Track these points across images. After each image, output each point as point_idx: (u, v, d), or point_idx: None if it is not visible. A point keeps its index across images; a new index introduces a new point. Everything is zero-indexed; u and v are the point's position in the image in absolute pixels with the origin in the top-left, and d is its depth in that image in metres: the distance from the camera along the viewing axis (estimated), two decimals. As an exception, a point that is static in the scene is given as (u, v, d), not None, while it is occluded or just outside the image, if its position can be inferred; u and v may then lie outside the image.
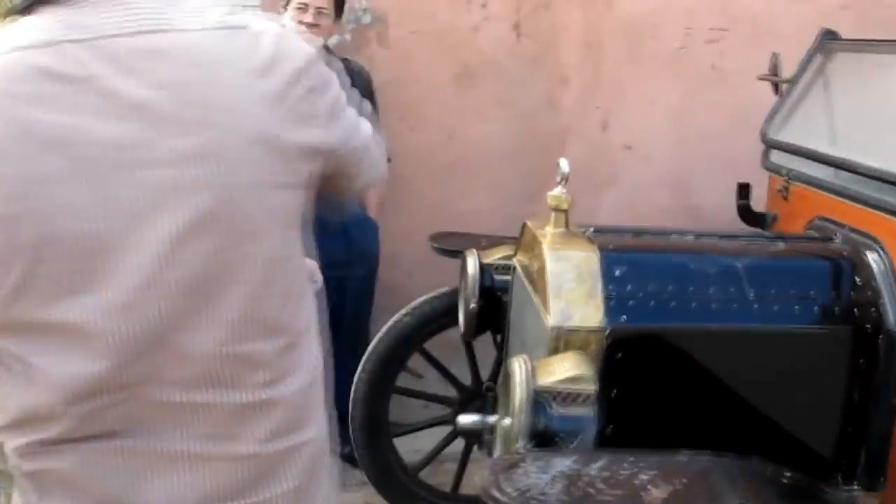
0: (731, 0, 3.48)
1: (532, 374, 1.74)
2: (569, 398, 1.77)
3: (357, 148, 1.19)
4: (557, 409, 1.76)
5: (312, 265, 1.31)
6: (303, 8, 3.05)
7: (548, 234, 2.11)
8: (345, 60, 3.24)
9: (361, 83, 3.25)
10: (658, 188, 3.40)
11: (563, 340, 1.89)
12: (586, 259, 1.99)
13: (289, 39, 1.05)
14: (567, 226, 2.14)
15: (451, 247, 2.84)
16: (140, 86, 0.91)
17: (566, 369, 1.76)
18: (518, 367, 1.75)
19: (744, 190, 2.86)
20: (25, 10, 0.94)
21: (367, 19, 3.46)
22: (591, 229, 2.18)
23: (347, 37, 3.46)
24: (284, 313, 1.02)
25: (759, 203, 2.77)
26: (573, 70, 3.43)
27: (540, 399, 1.76)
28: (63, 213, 0.88)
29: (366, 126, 1.25)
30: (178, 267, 0.93)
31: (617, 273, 1.98)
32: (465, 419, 2.21)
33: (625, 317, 1.93)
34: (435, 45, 3.47)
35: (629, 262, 2.02)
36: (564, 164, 2.13)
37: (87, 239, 0.89)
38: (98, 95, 0.90)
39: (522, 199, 3.49)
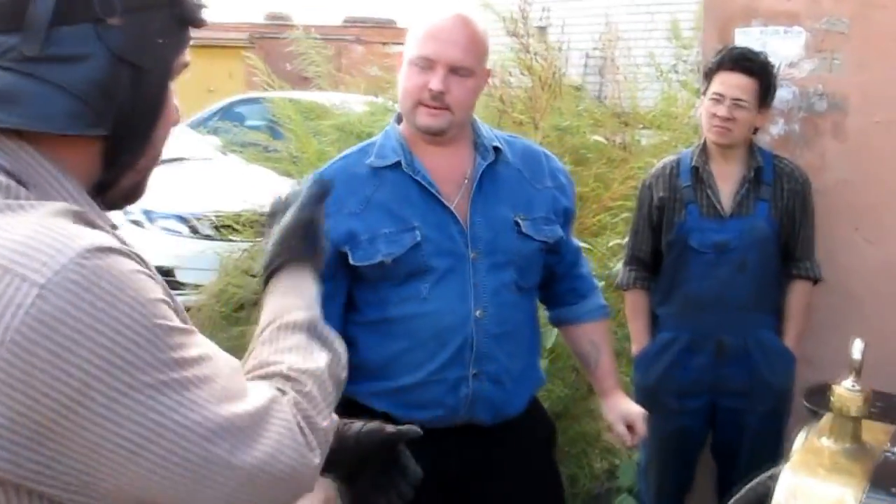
0: None
1: None
2: None
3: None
4: None
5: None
6: (718, 99, 2.67)
7: (818, 448, 1.53)
8: (776, 158, 2.77)
9: (792, 186, 2.75)
10: None
11: None
12: (835, 502, 1.40)
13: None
14: (856, 440, 1.52)
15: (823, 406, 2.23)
16: None
17: None
18: None
19: None
20: None
21: (821, 106, 2.90)
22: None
23: (796, 127, 2.94)
24: None
25: None
26: None
27: None
28: None
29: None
30: None
31: (879, 534, 1.35)
32: None
33: None
34: (907, 139, 2.77)
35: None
36: (858, 349, 1.52)
37: None
38: None
39: None
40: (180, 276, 5.71)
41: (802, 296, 2.81)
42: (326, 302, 1.96)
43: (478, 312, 1.94)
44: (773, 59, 2.86)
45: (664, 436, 2.88)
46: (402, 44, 1.99)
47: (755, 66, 2.67)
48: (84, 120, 0.89)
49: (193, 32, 1.01)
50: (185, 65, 1.00)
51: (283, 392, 0.96)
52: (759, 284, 2.74)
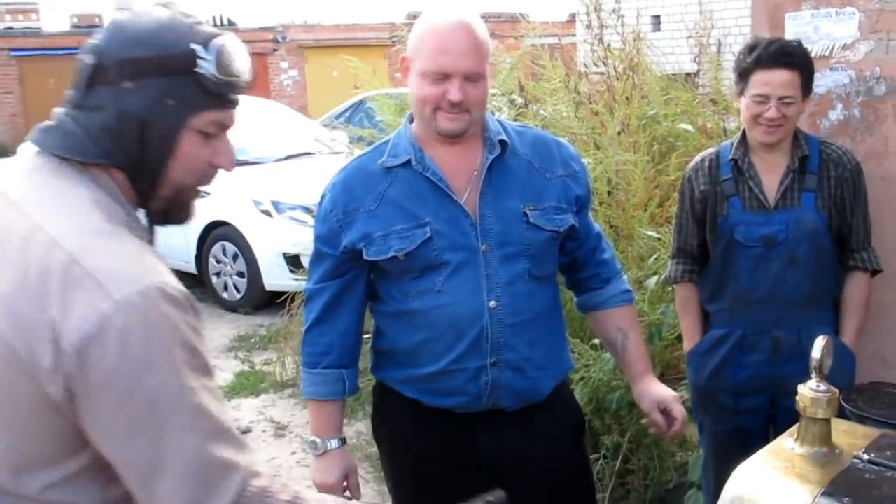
0: None
1: None
2: None
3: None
4: None
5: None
6: (763, 101, 2.52)
7: (782, 450, 1.49)
8: (823, 144, 2.65)
9: (840, 173, 2.62)
10: None
11: None
12: (783, 507, 1.36)
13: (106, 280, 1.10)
14: (825, 444, 1.48)
15: (866, 409, 2.12)
16: None
17: None
18: None
19: None
20: None
21: (879, 90, 2.76)
22: (868, 456, 1.45)
23: (856, 112, 2.81)
24: None
25: None
26: None
27: None
28: None
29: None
30: None
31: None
32: None
33: None
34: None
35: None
36: (819, 346, 1.48)
37: None
38: None
39: None
40: (305, 262, 6.05)
41: (859, 288, 2.68)
42: (345, 293, 2.09)
43: (492, 303, 1.99)
44: (825, 42, 2.76)
45: (720, 435, 2.81)
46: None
47: (797, 59, 2.50)
48: (92, 152, 1.21)
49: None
50: (219, 123, 1.26)
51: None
52: (812, 278, 2.63)
